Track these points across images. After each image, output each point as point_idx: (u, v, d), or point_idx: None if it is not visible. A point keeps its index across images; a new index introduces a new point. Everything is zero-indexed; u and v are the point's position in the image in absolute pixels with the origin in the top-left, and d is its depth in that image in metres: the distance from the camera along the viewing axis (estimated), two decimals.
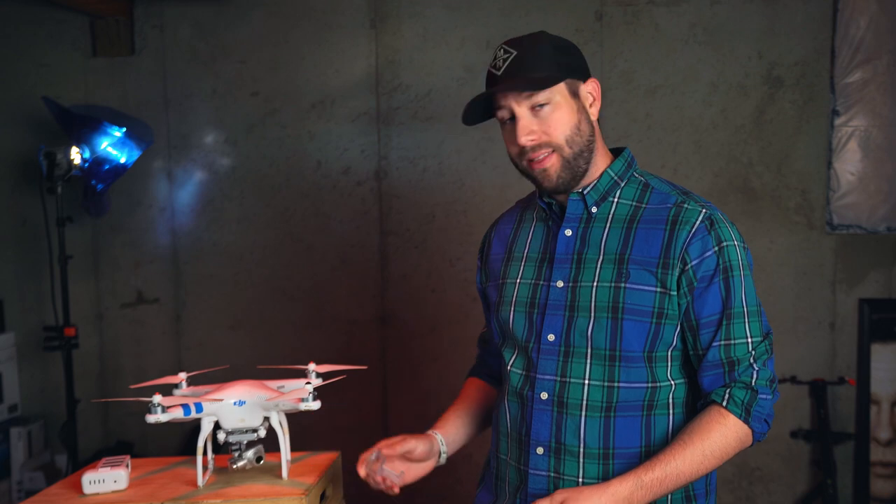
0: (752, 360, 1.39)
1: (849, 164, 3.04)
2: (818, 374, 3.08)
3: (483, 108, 1.48)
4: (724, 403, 1.37)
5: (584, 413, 1.42)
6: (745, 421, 1.37)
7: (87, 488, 1.39)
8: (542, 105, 1.41)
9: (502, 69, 1.41)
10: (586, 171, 1.47)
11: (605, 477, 1.40)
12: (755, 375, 1.39)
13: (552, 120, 1.41)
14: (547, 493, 1.42)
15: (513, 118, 1.43)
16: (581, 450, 1.42)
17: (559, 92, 1.42)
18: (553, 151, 1.42)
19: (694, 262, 1.39)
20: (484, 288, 1.65)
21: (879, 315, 3.05)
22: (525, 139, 1.41)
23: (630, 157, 1.53)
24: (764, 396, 1.39)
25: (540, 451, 1.45)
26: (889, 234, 3.04)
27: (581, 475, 1.42)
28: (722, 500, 3.12)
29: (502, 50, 1.43)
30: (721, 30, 3.04)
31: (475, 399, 1.70)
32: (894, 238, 3.05)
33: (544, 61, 1.41)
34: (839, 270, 3.07)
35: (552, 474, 1.44)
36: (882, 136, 3.03)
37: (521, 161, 1.46)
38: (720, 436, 1.36)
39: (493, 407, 1.67)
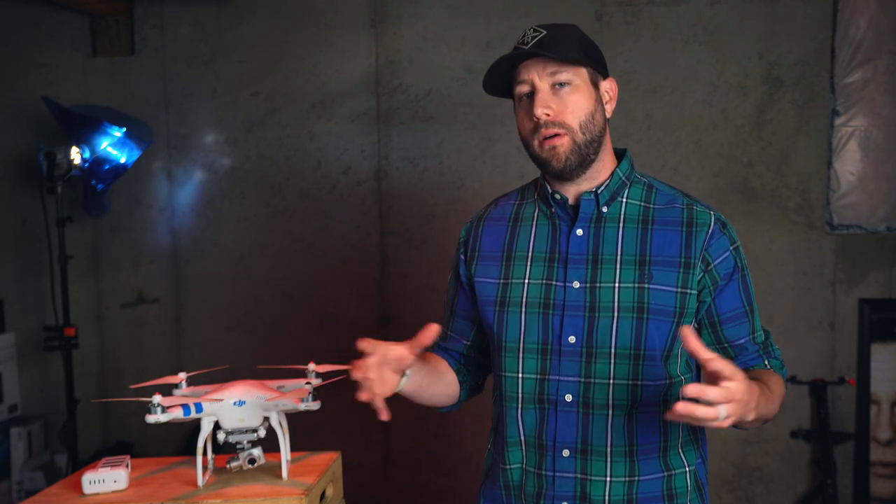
0: (770, 347, 1.54)
1: (849, 164, 3.04)
2: (818, 374, 3.08)
3: (504, 85, 1.49)
4: (770, 368, 1.50)
5: (610, 412, 1.43)
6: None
7: (87, 488, 1.39)
8: (562, 84, 1.42)
9: (530, 44, 1.43)
10: (594, 161, 1.46)
11: (631, 474, 1.43)
12: (776, 356, 1.54)
13: (570, 101, 1.42)
14: (573, 494, 1.44)
15: (531, 94, 1.44)
16: (609, 449, 1.43)
17: (581, 76, 1.44)
18: (565, 133, 1.42)
19: (716, 262, 1.44)
20: (470, 282, 1.57)
21: (879, 315, 3.05)
22: (541, 111, 1.41)
23: (632, 159, 1.55)
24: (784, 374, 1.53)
25: (566, 453, 1.45)
26: (889, 234, 3.04)
27: (609, 474, 1.43)
28: (722, 501, 3.12)
29: (532, 29, 1.45)
30: (721, 30, 3.04)
31: (433, 357, 1.59)
32: (894, 238, 3.05)
33: (573, 44, 1.44)
34: (839, 270, 3.07)
35: (579, 475, 1.44)
36: (882, 136, 3.03)
37: (533, 140, 1.45)
38: (782, 387, 1.47)
39: (442, 371, 1.58)
